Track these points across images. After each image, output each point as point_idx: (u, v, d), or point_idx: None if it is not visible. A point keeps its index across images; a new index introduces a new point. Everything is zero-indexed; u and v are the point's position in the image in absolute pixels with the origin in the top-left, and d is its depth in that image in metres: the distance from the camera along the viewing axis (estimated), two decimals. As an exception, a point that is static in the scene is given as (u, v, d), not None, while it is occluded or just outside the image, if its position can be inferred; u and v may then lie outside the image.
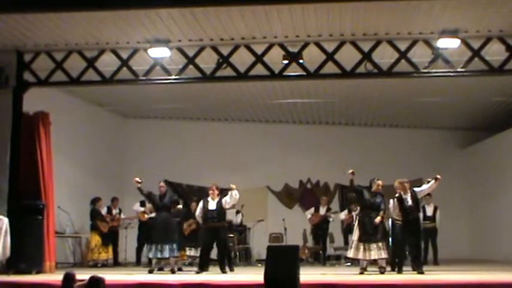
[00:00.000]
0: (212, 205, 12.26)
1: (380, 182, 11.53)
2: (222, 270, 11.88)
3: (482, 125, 18.33)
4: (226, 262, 12.45)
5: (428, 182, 11.44)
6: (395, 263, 11.55)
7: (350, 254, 11.46)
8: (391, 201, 11.81)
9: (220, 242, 12.22)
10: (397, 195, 11.46)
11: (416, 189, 11.47)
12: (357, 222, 11.54)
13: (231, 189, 12.23)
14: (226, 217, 13.07)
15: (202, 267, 11.93)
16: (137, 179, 12.07)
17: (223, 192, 12.48)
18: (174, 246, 12.12)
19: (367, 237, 11.19)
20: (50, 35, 11.39)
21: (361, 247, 11.19)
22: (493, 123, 17.50)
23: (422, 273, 10.72)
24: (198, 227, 13.41)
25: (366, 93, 15.32)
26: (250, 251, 16.74)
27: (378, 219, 11.21)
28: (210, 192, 12.36)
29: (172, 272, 11.97)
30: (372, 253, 11.16)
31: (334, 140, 19.01)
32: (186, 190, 18.17)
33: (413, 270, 11.08)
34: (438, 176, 11.17)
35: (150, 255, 12.30)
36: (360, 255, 11.22)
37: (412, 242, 11.45)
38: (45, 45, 11.85)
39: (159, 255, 12.09)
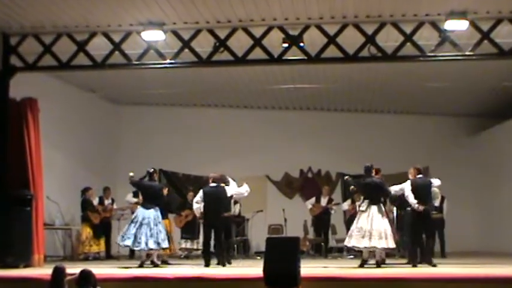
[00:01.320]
0: None
1: None
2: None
3: (491, 112, 18.14)
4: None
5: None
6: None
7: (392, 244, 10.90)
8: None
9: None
10: None
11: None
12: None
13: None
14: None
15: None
16: None
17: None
18: None
19: None
20: (37, 17, 11.31)
21: None
22: (502, 110, 17.29)
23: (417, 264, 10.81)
24: (194, 218, 13.17)
25: (369, 78, 15.20)
26: (248, 243, 16.59)
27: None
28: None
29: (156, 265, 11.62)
30: None
31: (337, 127, 18.82)
32: (182, 179, 18.13)
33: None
34: None
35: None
36: None
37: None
38: (32, 27, 11.73)
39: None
